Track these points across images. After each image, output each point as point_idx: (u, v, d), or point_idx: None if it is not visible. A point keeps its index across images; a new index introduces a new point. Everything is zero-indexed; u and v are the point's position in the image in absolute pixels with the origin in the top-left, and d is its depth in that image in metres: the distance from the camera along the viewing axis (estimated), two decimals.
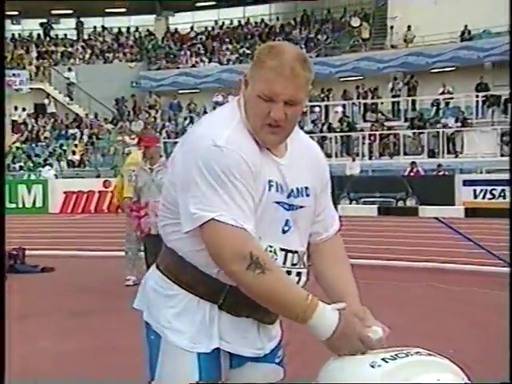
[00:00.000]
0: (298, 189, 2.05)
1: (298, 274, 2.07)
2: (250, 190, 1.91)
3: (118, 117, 29.78)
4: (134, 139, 26.81)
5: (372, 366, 1.92)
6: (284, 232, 2.01)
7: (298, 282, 2.06)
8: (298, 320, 1.87)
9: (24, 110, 30.67)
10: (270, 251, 1.98)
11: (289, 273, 2.03)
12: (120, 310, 6.76)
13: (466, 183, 18.57)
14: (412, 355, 1.97)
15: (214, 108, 27.62)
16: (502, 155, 21.46)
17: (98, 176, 23.61)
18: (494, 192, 18.11)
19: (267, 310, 1.95)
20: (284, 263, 2.02)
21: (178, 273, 2.04)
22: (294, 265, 2.06)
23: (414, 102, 25.94)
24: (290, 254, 2.04)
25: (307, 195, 2.08)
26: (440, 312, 6.57)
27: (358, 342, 1.91)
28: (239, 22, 34.09)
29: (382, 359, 1.94)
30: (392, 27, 29.03)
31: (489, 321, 6.13)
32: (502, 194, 17.85)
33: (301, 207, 2.05)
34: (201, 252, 1.97)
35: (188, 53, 32.54)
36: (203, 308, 2.00)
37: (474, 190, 18.33)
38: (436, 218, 8.53)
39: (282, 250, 2.01)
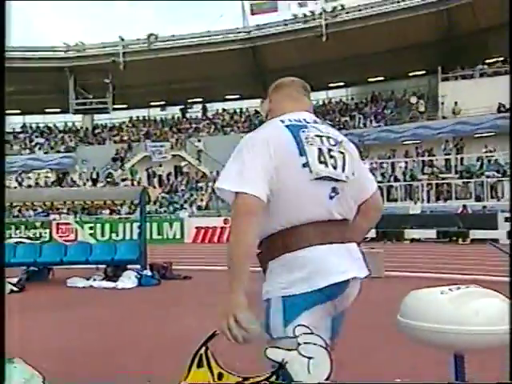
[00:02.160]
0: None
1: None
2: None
3: None
4: None
5: (442, 293, 2.06)
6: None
7: None
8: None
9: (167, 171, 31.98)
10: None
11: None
12: None
13: (507, 220, 17.67)
14: (470, 287, 2.10)
15: None
16: None
17: (219, 216, 24.21)
18: None
19: None
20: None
21: None
22: None
23: (462, 159, 25.16)
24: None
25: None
26: None
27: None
28: (323, 101, 34.49)
29: (449, 289, 2.08)
30: (443, 103, 28.50)
31: None
32: None
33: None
34: None
35: None
36: None
37: None
38: (489, 242, 8.31)
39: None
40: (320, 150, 1.92)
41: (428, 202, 22.35)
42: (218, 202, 26.77)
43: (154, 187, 30.04)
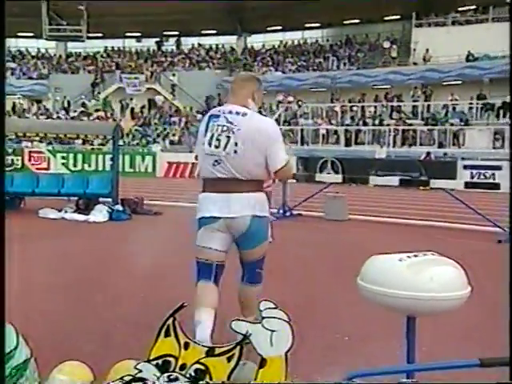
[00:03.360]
0: None
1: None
2: None
3: (206, 109, 30.00)
4: None
5: (400, 260, 2.09)
6: None
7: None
8: None
9: (141, 104, 31.27)
10: None
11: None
12: None
13: (465, 167, 18.18)
14: (427, 255, 2.14)
15: (277, 105, 27.77)
16: (493, 148, 21.04)
17: (191, 152, 24.00)
18: (486, 174, 17.71)
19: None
20: None
21: (261, 186, 3.03)
22: None
23: (429, 106, 25.28)
24: None
25: None
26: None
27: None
28: (298, 41, 33.77)
29: (407, 256, 2.11)
30: (415, 49, 28.29)
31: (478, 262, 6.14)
32: (492, 176, 17.49)
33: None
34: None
35: (260, 64, 32.50)
36: None
37: (471, 173, 17.91)
38: (443, 189, 8.48)
39: None
40: (212, 135, 2.98)
41: (394, 146, 22.56)
42: (190, 138, 26.49)
43: (128, 119, 29.46)
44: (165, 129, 28.13)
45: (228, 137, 2.92)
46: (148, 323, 2.74)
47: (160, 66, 33.04)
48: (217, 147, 2.94)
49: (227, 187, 2.90)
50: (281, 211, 9.64)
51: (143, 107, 30.97)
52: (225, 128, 2.95)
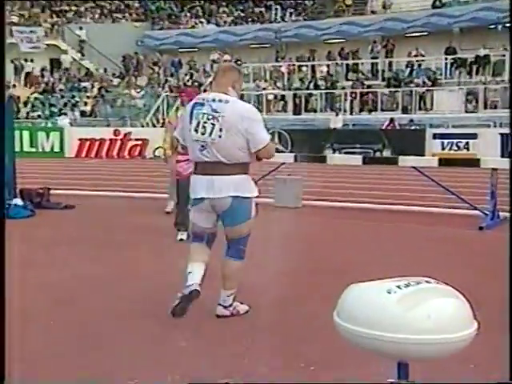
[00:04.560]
0: None
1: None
2: None
3: (124, 72, 29.31)
4: (138, 92, 26.59)
5: (388, 292, 1.97)
6: None
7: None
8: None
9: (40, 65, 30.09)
10: None
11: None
12: (138, 241, 6.85)
13: (435, 136, 18.55)
14: (422, 283, 2.03)
15: (211, 65, 27.42)
16: (466, 111, 21.61)
17: (108, 125, 23.41)
18: (459, 144, 18.12)
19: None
20: None
21: (247, 171, 3.93)
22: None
23: (390, 63, 25.70)
24: None
25: None
26: (413, 247, 6.61)
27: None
28: None
29: (397, 286, 1.99)
30: None
31: (460, 251, 6.24)
32: (466, 147, 17.96)
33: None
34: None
35: (188, 15, 31.94)
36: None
37: (442, 143, 18.31)
38: (414, 168, 8.57)
39: None
40: (198, 122, 3.87)
41: (351, 113, 22.81)
42: (106, 108, 25.79)
43: (24, 85, 28.38)
44: (73, 96, 27.24)
45: (213, 124, 3.80)
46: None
47: (63, 17, 31.87)
48: (203, 134, 3.83)
49: (213, 170, 3.84)
50: None
51: (44, 69, 29.84)
52: (210, 116, 3.82)
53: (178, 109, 8.44)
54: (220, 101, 3.84)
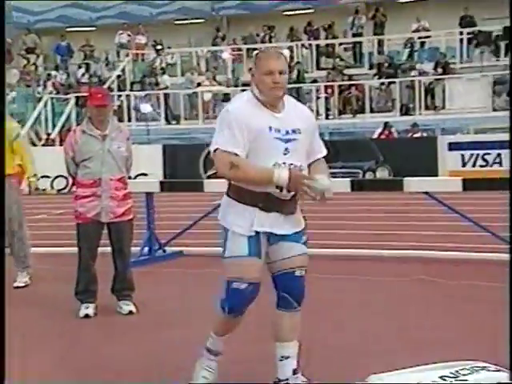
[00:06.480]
0: (292, 129, 4.35)
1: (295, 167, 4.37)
2: (242, 133, 4.27)
3: None
4: (7, 95, 26.19)
5: (442, 378, 1.97)
6: (285, 154, 4.30)
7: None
8: (272, 183, 4.23)
9: None
10: (275, 165, 4.26)
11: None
12: None
13: (451, 147, 18.42)
14: (478, 371, 2.02)
15: (118, 51, 27.43)
16: (494, 109, 21.65)
17: None
18: (486, 158, 17.97)
19: (286, 205, 4.40)
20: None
21: (234, 193, 4.46)
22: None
23: (380, 42, 25.94)
24: (291, 166, 4.30)
25: (299, 133, 4.37)
26: (434, 313, 6.63)
27: (303, 186, 4.19)
28: None
29: (440, 377, 1.98)
30: None
31: (493, 321, 6.23)
32: (498, 161, 17.76)
33: (294, 140, 4.36)
34: None
35: None
36: (248, 210, 4.37)
37: (462, 156, 18.18)
38: (426, 193, 8.65)
39: (283, 163, 4.28)
40: None
41: (327, 117, 22.88)
42: None
43: None
44: None
45: None
46: None
47: None
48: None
49: None
50: (145, 249, 9.66)
51: None
52: None
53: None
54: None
